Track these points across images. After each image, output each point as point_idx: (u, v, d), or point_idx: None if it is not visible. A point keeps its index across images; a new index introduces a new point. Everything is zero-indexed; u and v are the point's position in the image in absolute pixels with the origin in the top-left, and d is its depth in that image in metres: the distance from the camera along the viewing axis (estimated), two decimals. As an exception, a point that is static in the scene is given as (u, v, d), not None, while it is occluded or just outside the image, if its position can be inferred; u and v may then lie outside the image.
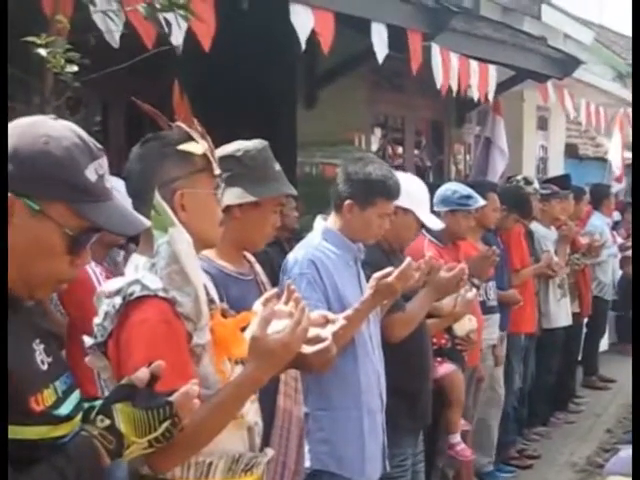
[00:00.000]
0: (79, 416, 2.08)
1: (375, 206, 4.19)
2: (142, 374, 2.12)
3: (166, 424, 2.08)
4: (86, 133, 2.12)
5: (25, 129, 2.04)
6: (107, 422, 2.03)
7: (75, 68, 3.87)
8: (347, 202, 4.19)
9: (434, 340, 5.45)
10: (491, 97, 9.27)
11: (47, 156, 2.00)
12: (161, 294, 2.50)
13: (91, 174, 2.04)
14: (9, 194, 1.96)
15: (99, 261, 4.56)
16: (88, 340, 2.57)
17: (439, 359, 5.59)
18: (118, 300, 2.51)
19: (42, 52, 3.81)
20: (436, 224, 5.03)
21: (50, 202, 2.00)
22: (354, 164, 4.27)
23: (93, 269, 4.47)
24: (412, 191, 4.82)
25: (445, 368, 5.64)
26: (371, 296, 3.99)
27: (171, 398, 2.10)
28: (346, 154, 4.64)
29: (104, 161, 2.10)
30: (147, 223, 2.24)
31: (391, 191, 4.23)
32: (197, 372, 2.51)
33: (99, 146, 2.12)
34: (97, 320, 2.56)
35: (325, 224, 4.25)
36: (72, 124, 2.12)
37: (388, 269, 4.02)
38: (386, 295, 4.07)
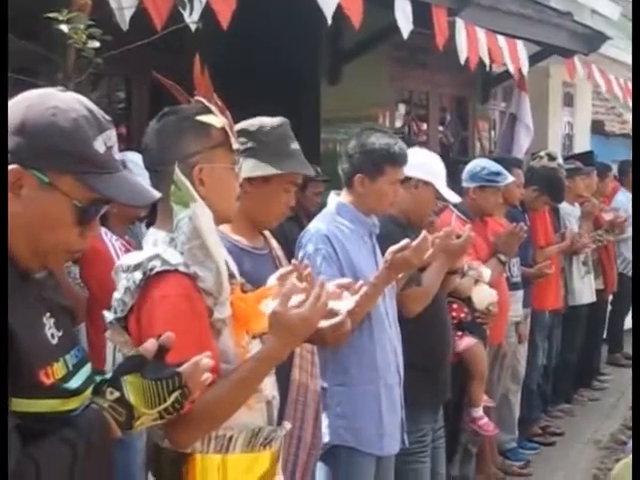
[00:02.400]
0: (90, 389, 2.08)
1: (385, 175, 4.19)
2: (150, 345, 2.13)
3: (175, 394, 2.08)
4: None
5: (33, 101, 2.03)
6: (116, 394, 2.04)
7: (97, 44, 3.88)
8: (357, 177, 4.20)
9: (454, 314, 5.45)
10: (525, 72, 9.22)
11: (55, 128, 1.99)
12: (182, 269, 2.51)
13: (100, 146, 2.03)
14: (17, 167, 1.96)
15: (120, 235, 4.58)
16: (108, 315, 2.58)
17: (459, 333, 5.58)
18: (138, 275, 2.50)
19: (64, 28, 3.81)
20: (454, 197, 5.02)
21: (59, 174, 1.99)
22: (356, 138, 4.28)
23: (113, 243, 4.50)
24: (432, 165, 4.84)
25: (466, 342, 5.64)
26: (386, 269, 3.99)
27: (180, 369, 2.10)
28: (351, 130, 4.60)
29: (113, 133, 2.09)
30: (156, 195, 2.23)
31: (398, 157, 4.23)
32: (217, 347, 2.52)
33: (107, 118, 2.11)
34: (117, 295, 2.56)
35: (339, 199, 4.26)
36: (80, 96, 2.12)
37: (404, 242, 4.01)
38: (401, 268, 4.07)
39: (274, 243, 3.60)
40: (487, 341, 5.95)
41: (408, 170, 4.75)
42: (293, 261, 3.11)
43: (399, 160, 4.24)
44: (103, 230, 4.55)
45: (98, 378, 2.12)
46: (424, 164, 4.71)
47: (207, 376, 2.16)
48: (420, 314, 4.57)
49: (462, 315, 5.61)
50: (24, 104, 2.02)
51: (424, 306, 4.59)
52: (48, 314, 2.03)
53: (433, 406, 4.90)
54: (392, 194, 4.25)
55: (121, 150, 5.36)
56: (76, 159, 2.00)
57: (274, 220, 3.54)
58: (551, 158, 8.28)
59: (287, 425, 2.85)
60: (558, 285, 8.05)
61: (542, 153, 8.53)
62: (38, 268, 2.06)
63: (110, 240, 4.50)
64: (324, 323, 2.81)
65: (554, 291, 7.93)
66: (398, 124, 10.05)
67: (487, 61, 8.33)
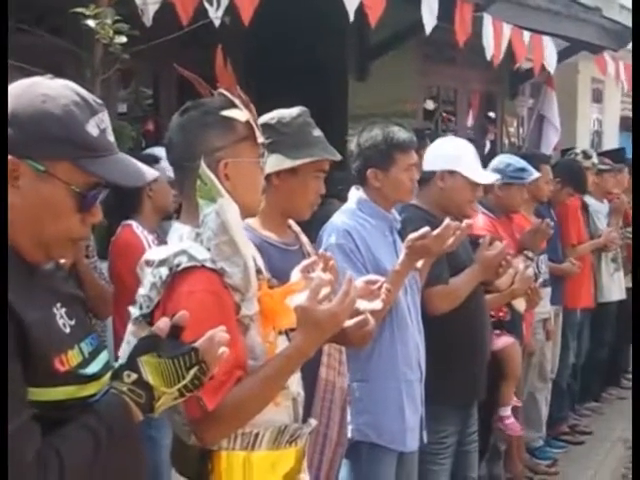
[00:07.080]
0: (108, 375, 2.07)
1: (396, 163, 4.15)
2: (162, 323, 2.11)
3: (194, 370, 2.05)
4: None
5: (22, 91, 2.02)
6: (134, 376, 2.02)
7: (124, 39, 3.88)
8: (369, 171, 4.17)
9: (492, 312, 5.38)
10: (552, 69, 9.17)
11: (46, 115, 1.98)
12: (209, 265, 2.49)
13: (93, 129, 2.02)
14: (12, 157, 1.95)
15: (152, 229, 4.60)
16: (134, 311, 2.57)
17: (497, 332, 5.53)
18: (164, 271, 2.48)
19: (91, 23, 3.82)
20: (486, 178, 4.92)
21: (54, 161, 1.98)
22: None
23: (145, 236, 4.51)
24: (450, 152, 4.77)
25: (503, 341, 5.60)
26: (406, 256, 3.97)
27: (196, 344, 2.08)
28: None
29: (105, 115, 2.08)
30: (152, 175, 2.19)
31: (404, 142, 4.18)
32: (245, 343, 2.50)
33: (99, 101, 2.10)
34: (142, 291, 2.55)
35: (359, 194, 4.23)
36: (69, 82, 2.11)
37: (424, 229, 3.97)
38: (421, 255, 4.04)
39: (304, 239, 3.58)
40: (523, 341, 5.91)
41: (429, 165, 4.72)
42: (320, 251, 3.09)
43: (407, 144, 4.19)
44: (134, 224, 4.57)
45: (115, 364, 2.11)
46: (442, 153, 4.70)
47: (223, 350, 2.12)
48: (457, 312, 4.50)
49: (501, 314, 5.57)
50: (13, 94, 2.01)
51: (451, 306, 4.50)
52: (59, 304, 2.03)
53: (459, 407, 4.77)
54: (409, 181, 4.21)
55: (149, 145, 5.35)
56: (70, 144, 1.99)
57: (307, 210, 3.50)
58: (586, 156, 8.23)
59: (313, 422, 2.83)
60: (590, 283, 7.99)
61: (577, 150, 8.48)
62: (44, 259, 2.06)
63: (142, 233, 4.52)
64: (348, 322, 2.79)
65: (586, 289, 7.87)
66: (426, 120, 10.01)
67: (507, 59, 8.30)
